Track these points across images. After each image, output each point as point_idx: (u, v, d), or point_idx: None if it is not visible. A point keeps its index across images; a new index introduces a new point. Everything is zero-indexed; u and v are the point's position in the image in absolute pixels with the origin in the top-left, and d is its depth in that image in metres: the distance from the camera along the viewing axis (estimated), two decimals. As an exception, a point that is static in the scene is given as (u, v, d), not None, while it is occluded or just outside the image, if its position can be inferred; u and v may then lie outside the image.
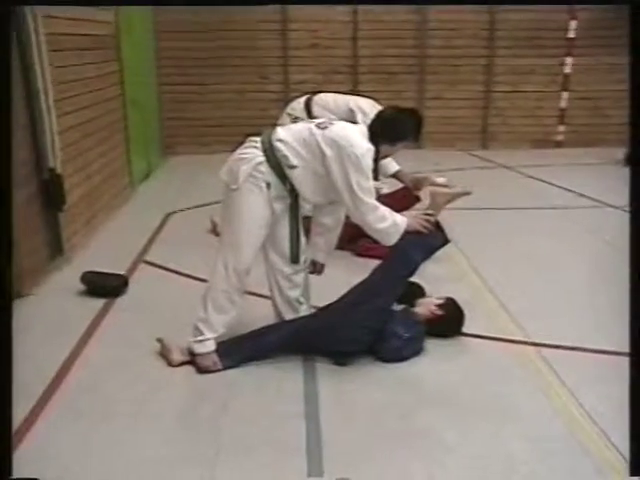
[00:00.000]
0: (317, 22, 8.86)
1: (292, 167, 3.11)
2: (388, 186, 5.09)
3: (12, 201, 2.21)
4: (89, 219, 5.24)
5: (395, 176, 4.98)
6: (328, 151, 3.07)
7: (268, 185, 3.11)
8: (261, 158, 3.11)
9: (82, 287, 4.12)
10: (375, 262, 3.55)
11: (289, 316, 3.47)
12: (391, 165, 4.89)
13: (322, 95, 5.24)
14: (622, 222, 5.78)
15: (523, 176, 7.74)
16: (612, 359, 3.31)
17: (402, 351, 3.28)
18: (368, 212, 3.12)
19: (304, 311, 3.52)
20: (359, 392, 3.03)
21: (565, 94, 9.40)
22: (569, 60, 9.24)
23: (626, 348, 3.33)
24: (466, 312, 3.58)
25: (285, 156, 3.11)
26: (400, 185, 5.02)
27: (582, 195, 6.70)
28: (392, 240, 3.18)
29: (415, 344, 3.34)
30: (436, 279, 4.19)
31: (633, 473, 2.03)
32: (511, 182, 7.54)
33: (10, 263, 2.10)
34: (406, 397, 3.00)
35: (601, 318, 3.81)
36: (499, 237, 5.40)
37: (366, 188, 3.09)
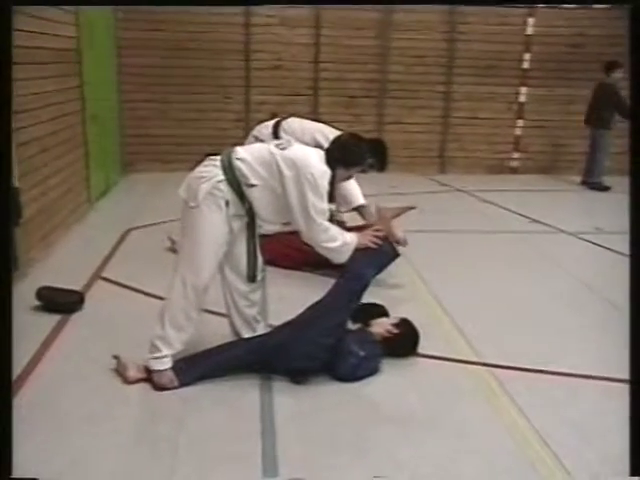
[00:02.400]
0: (280, 44, 8.95)
1: (251, 186, 3.15)
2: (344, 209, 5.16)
3: (12, 201, 2.19)
4: (46, 234, 5.18)
5: (358, 210, 4.96)
6: (287, 171, 3.13)
7: (227, 203, 3.14)
8: (221, 176, 3.14)
9: (37, 303, 4.07)
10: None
11: (246, 334, 3.48)
12: (356, 198, 4.91)
13: (290, 121, 5.25)
14: (574, 247, 5.99)
15: (479, 200, 7.91)
16: (564, 380, 3.41)
17: (358, 370, 3.32)
18: (320, 233, 3.20)
19: (261, 329, 3.54)
20: (315, 410, 3.05)
21: (520, 122, 9.65)
22: (524, 90, 9.51)
23: (578, 369, 3.47)
24: (421, 333, 3.64)
25: (244, 175, 3.15)
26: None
27: (536, 221, 6.87)
28: (343, 258, 3.29)
29: (371, 363, 3.38)
30: (391, 299, 4.26)
31: (633, 473, 2.07)
32: (468, 206, 7.69)
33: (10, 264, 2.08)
34: (361, 415, 3.04)
35: (554, 340, 3.91)
36: (455, 259, 5.51)
37: (320, 209, 3.17)
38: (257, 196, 3.18)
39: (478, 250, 5.83)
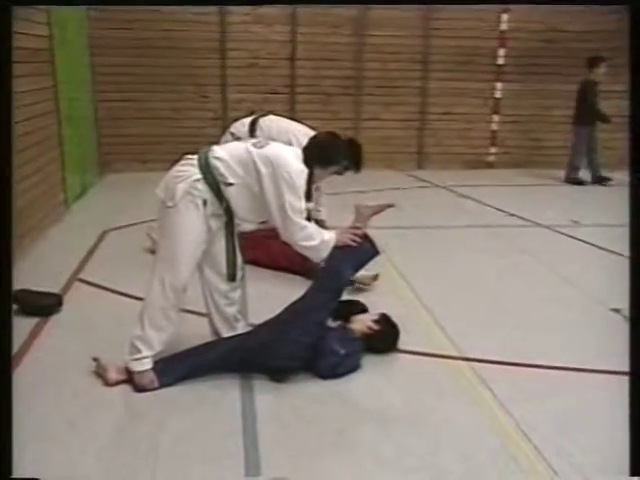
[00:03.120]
0: (256, 42, 8.93)
1: (228, 185, 3.15)
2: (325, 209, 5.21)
3: (12, 201, 2.17)
4: (22, 236, 5.12)
5: None
6: (263, 169, 3.13)
7: (204, 202, 3.13)
8: (198, 175, 3.13)
9: (15, 306, 4.02)
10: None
11: (226, 333, 3.47)
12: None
13: (267, 119, 5.27)
14: (550, 240, 6.05)
15: (456, 195, 7.96)
16: (545, 373, 3.45)
17: (339, 367, 3.32)
18: (297, 231, 3.20)
19: (241, 328, 3.53)
20: (296, 408, 3.05)
21: (496, 117, 9.73)
22: (499, 85, 9.58)
23: (558, 362, 3.50)
24: (401, 328, 3.66)
25: (222, 174, 3.14)
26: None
27: (512, 214, 6.93)
28: (321, 256, 3.28)
29: (352, 360, 3.39)
30: (370, 295, 4.27)
31: (633, 473, 2.08)
32: (445, 201, 7.75)
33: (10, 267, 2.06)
34: (342, 412, 3.04)
35: (532, 333, 3.94)
36: (433, 254, 5.54)
37: (297, 208, 3.16)
38: (235, 195, 3.18)
39: (457, 245, 5.87)
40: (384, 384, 3.31)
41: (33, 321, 3.91)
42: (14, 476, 2.13)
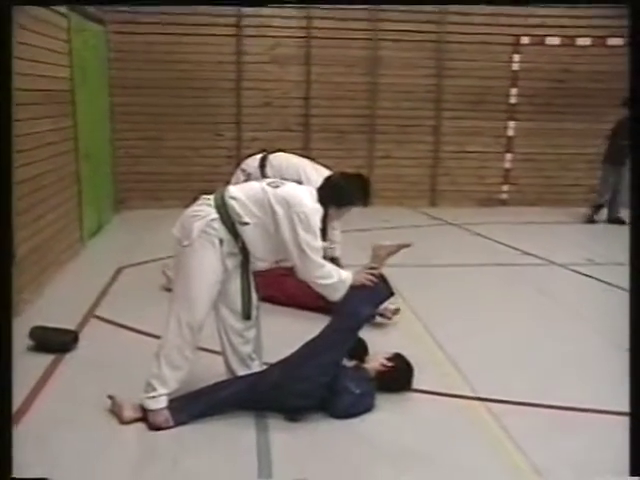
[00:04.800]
0: (270, 81, 9.08)
1: (244, 224, 3.19)
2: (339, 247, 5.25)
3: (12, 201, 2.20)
4: (38, 273, 5.18)
5: None
6: (279, 209, 3.17)
7: (221, 242, 3.17)
8: (214, 215, 3.18)
9: (30, 342, 4.05)
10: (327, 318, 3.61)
11: (241, 372, 3.48)
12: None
13: (277, 156, 5.43)
14: (566, 279, 6.02)
15: (470, 233, 7.96)
16: (559, 413, 3.42)
17: (353, 407, 3.32)
18: (315, 269, 3.22)
19: (256, 367, 3.53)
20: (311, 448, 3.05)
21: (509, 155, 9.78)
22: (512, 124, 9.65)
23: (572, 403, 3.47)
24: (415, 367, 3.65)
25: (238, 213, 3.19)
26: None
27: (527, 253, 6.92)
28: (338, 295, 3.27)
29: (366, 400, 3.38)
30: (384, 334, 4.27)
31: (633, 473, 2.06)
32: (458, 239, 7.75)
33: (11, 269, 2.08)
34: (357, 452, 3.03)
35: (547, 373, 3.92)
36: (447, 293, 5.53)
37: (314, 246, 3.19)
38: (250, 234, 3.21)
39: (470, 283, 5.86)
40: (398, 424, 3.30)
41: (49, 358, 3.93)
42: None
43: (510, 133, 9.69)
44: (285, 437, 3.12)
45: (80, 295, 5.13)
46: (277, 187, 3.28)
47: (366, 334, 3.85)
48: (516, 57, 9.40)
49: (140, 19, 8.49)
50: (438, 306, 5.11)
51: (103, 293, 5.26)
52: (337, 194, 3.45)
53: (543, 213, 9.35)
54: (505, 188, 9.90)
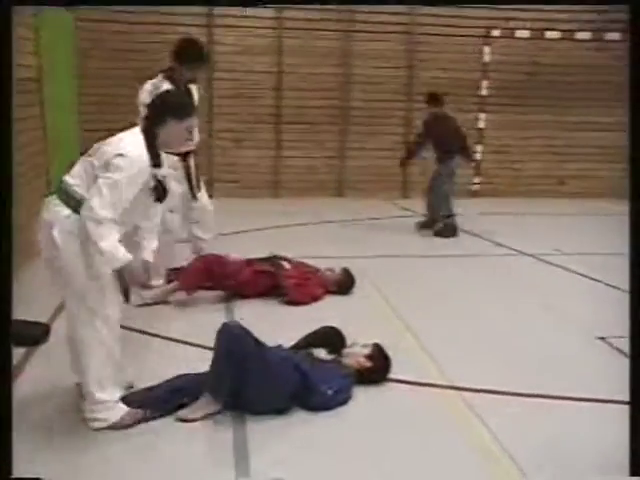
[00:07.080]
0: (241, 72, 9.01)
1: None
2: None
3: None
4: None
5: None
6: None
7: None
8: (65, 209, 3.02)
9: None
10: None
11: None
12: None
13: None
14: (537, 269, 6.10)
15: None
16: (533, 402, 3.46)
17: (328, 404, 3.30)
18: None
19: None
20: (287, 436, 3.05)
21: (479, 147, 9.85)
22: (482, 116, 9.72)
23: (546, 390, 3.52)
24: (392, 357, 3.65)
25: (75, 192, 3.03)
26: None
27: (498, 244, 6.99)
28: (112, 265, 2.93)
29: (341, 396, 3.36)
30: (359, 321, 4.28)
31: (633, 473, 2.08)
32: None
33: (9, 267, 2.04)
34: (333, 441, 3.03)
35: (520, 362, 3.96)
36: (419, 283, 5.56)
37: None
38: None
39: (442, 274, 5.90)
40: (375, 414, 3.31)
41: (19, 352, 3.83)
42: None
43: (481, 125, 9.76)
44: (261, 429, 3.10)
45: (51, 287, 5.03)
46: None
47: (341, 324, 3.86)
48: (486, 49, 9.47)
49: (111, 7, 8.36)
50: (412, 297, 5.13)
51: (74, 285, 5.17)
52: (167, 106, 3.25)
53: (513, 204, 9.45)
54: (476, 180, 9.98)
